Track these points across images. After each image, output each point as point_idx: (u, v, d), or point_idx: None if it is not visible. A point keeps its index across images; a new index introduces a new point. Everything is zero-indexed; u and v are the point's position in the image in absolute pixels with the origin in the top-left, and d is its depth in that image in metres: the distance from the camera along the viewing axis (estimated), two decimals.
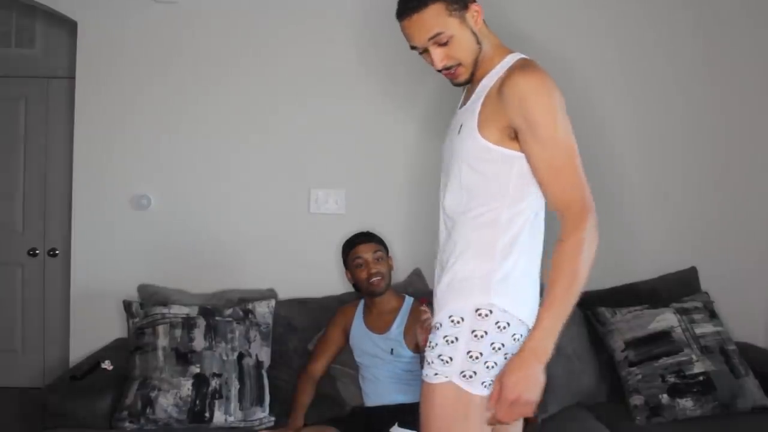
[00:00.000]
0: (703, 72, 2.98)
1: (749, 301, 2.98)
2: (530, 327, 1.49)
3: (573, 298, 1.41)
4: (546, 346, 1.41)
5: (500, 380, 1.42)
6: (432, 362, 1.47)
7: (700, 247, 2.97)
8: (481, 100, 1.49)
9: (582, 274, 1.40)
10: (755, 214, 3.00)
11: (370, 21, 2.87)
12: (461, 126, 1.53)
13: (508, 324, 1.45)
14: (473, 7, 1.50)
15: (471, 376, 1.43)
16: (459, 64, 1.52)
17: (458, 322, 1.46)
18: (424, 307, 1.95)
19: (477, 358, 1.43)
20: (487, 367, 1.44)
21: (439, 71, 1.55)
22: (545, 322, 1.41)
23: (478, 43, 1.51)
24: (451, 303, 1.49)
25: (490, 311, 1.44)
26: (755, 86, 3.00)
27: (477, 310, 1.45)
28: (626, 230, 2.92)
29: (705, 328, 2.55)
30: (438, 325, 1.50)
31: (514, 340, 1.46)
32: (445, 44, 1.48)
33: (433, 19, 1.46)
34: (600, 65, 2.95)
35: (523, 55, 1.55)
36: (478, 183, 1.50)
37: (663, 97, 2.97)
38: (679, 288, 2.78)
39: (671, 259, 2.90)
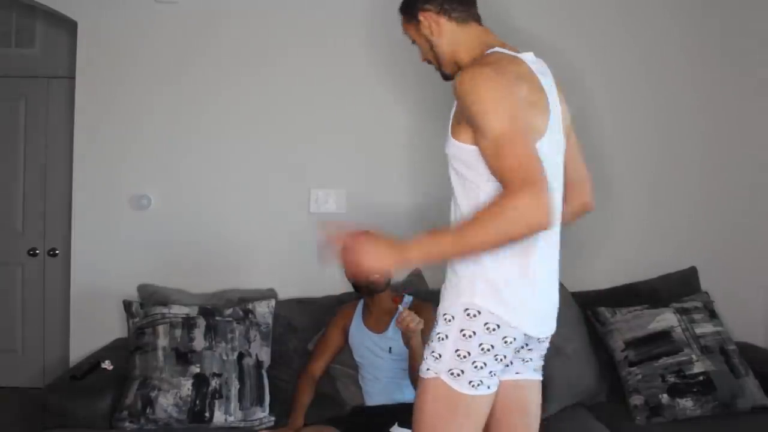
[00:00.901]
0: (704, 71, 2.98)
1: (749, 301, 2.98)
2: (526, 333, 1.48)
3: (466, 248, 1.37)
4: (411, 255, 1.39)
5: (361, 233, 1.43)
6: (426, 357, 1.50)
7: (700, 247, 2.97)
8: (455, 103, 1.53)
9: (491, 234, 1.33)
10: (755, 214, 3.00)
11: (371, 23, 2.87)
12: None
13: (498, 326, 1.45)
14: (421, 15, 1.63)
15: (458, 375, 1.45)
16: (429, 61, 1.71)
17: (449, 321, 1.48)
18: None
19: (465, 357, 1.45)
20: (475, 367, 1.45)
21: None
22: (428, 241, 1.39)
23: (432, 47, 1.65)
24: (446, 301, 1.52)
25: (479, 312, 1.45)
26: (757, 87, 3.00)
27: (465, 309, 1.46)
28: (626, 230, 2.93)
29: (705, 328, 2.55)
30: (435, 322, 1.53)
31: (506, 343, 1.46)
32: (414, 44, 1.71)
33: (403, 26, 1.71)
34: (602, 65, 2.95)
35: (498, 49, 1.54)
36: (459, 184, 1.52)
37: (665, 97, 2.97)
38: (679, 288, 2.78)
39: (671, 259, 2.90)
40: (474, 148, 1.46)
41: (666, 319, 2.55)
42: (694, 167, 2.98)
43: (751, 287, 3.00)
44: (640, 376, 2.45)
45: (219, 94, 2.86)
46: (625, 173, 2.95)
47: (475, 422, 1.49)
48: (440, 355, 1.47)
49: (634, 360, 2.49)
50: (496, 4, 2.83)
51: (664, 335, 2.51)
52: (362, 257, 1.40)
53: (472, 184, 1.49)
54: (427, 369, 1.49)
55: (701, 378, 2.41)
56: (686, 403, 2.38)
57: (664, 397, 2.39)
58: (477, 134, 1.42)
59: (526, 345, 1.56)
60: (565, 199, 1.65)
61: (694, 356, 2.46)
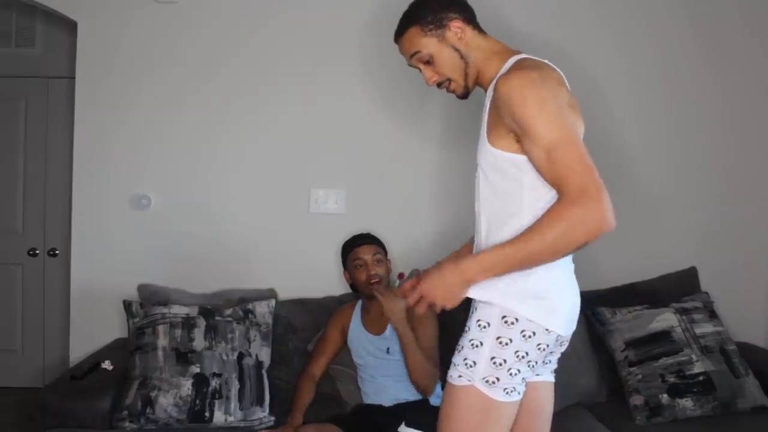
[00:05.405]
0: (704, 71, 2.98)
1: (749, 301, 2.98)
2: (560, 335, 1.48)
3: (528, 258, 1.38)
4: (474, 274, 1.42)
5: (421, 277, 1.49)
6: (457, 364, 1.49)
7: (700, 247, 2.97)
8: (487, 109, 1.50)
9: (552, 244, 1.34)
10: (755, 213, 3.00)
11: (372, 23, 2.87)
12: (479, 135, 1.54)
13: (534, 333, 1.45)
14: (452, 24, 1.56)
15: (494, 383, 1.45)
16: (449, 80, 1.61)
17: (484, 327, 1.47)
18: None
19: (501, 364, 1.44)
20: (510, 374, 1.45)
21: (438, 86, 1.64)
22: (488, 257, 1.41)
23: (462, 57, 1.57)
24: (480, 308, 1.50)
25: (516, 319, 1.44)
26: (756, 86, 2.99)
27: (503, 317, 1.45)
28: (626, 230, 2.91)
29: (705, 328, 2.55)
30: (467, 328, 1.51)
31: (540, 350, 1.46)
32: (428, 62, 1.60)
33: (411, 41, 1.59)
34: (602, 65, 2.95)
35: (525, 55, 1.53)
36: (491, 194, 1.51)
37: (664, 97, 2.97)
38: (679, 288, 2.78)
39: (671, 259, 2.90)
40: (515, 156, 1.43)
41: (666, 319, 2.55)
42: (693, 167, 2.98)
43: (751, 287, 3.00)
44: (640, 376, 2.45)
45: (219, 94, 2.85)
46: (625, 173, 2.94)
47: (503, 428, 1.49)
48: (474, 363, 1.45)
49: (634, 360, 2.49)
50: (501, 12, 2.85)
51: (664, 335, 2.51)
52: (436, 299, 1.46)
53: (508, 195, 1.47)
54: (459, 376, 1.47)
55: (701, 378, 2.41)
56: (686, 403, 2.38)
57: (664, 397, 2.39)
58: (525, 140, 1.39)
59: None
60: None
61: (694, 356, 2.46)
